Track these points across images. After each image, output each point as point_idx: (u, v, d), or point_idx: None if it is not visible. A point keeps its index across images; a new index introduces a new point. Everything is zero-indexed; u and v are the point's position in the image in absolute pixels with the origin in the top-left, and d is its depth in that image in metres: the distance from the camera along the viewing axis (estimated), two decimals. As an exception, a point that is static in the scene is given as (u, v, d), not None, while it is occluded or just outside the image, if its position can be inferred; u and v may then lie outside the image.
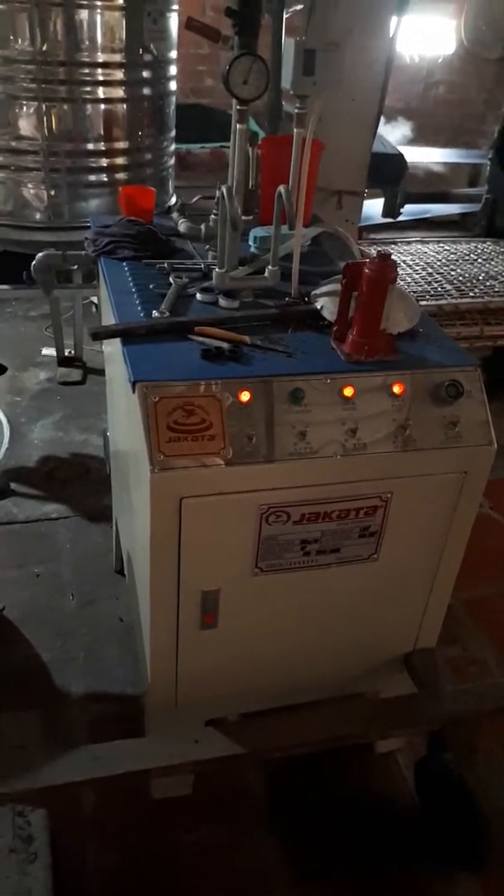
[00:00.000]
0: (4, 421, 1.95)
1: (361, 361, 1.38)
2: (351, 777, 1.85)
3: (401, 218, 4.37)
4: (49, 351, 3.56)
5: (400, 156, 4.14)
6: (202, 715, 1.58)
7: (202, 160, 3.71)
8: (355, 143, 2.31)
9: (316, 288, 1.56)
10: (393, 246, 3.86)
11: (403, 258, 3.67)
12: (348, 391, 1.35)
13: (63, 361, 3.49)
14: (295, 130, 1.42)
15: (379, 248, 1.51)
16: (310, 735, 1.50)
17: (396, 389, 1.36)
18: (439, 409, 1.38)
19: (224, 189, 1.40)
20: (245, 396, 1.30)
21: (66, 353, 3.50)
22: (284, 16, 2.33)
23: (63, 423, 3.11)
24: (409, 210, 4.47)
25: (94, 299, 3.41)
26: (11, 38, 2.10)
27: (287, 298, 1.56)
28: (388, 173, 4.00)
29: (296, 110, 1.40)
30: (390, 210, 4.21)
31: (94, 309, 3.68)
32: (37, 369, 3.50)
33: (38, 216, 2.35)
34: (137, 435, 1.30)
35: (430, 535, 1.49)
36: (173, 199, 2.75)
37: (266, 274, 1.58)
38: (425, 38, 5.38)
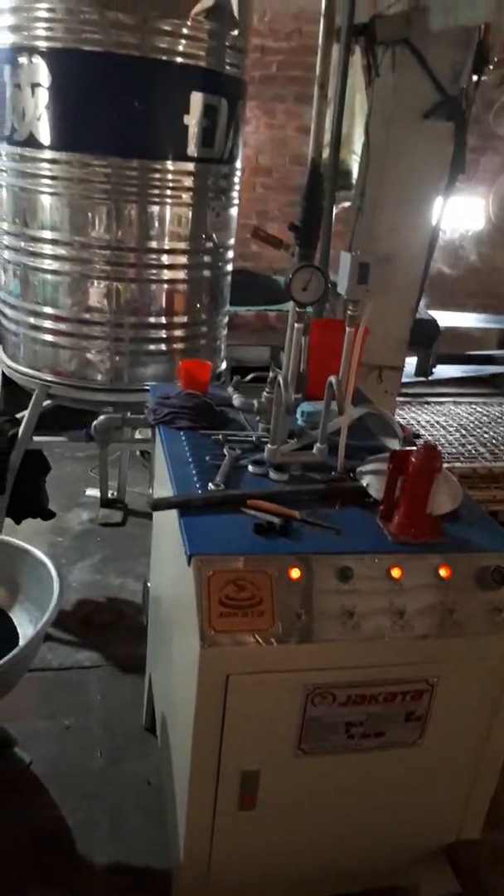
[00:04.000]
0: (55, 575, 1.99)
1: (408, 542, 1.43)
2: None
3: (432, 377, 4.56)
4: (93, 492, 3.68)
5: (433, 321, 4.38)
6: (234, 902, 1.52)
7: (247, 321, 3.98)
8: (396, 324, 2.49)
9: (360, 463, 1.64)
10: (426, 405, 4.02)
11: (437, 418, 3.82)
12: (395, 572, 1.38)
13: (106, 503, 3.60)
14: (347, 329, 1.56)
15: (423, 439, 1.60)
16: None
17: (443, 573, 1.40)
18: (485, 594, 1.40)
19: (280, 378, 1.53)
20: (295, 573, 1.34)
21: (110, 495, 3.61)
22: (334, 210, 2.59)
23: (101, 566, 3.16)
24: (441, 370, 4.66)
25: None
26: (91, 225, 2.36)
27: (333, 473, 1.65)
28: (422, 337, 4.20)
29: (349, 312, 1.55)
30: (423, 370, 4.40)
31: (138, 453, 3.84)
32: (80, 509, 3.60)
33: (99, 377, 2.53)
34: (188, 606, 1.34)
35: (477, 720, 1.47)
36: (223, 364, 2.95)
37: (314, 450, 1.68)
38: (457, 215, 5.85)
